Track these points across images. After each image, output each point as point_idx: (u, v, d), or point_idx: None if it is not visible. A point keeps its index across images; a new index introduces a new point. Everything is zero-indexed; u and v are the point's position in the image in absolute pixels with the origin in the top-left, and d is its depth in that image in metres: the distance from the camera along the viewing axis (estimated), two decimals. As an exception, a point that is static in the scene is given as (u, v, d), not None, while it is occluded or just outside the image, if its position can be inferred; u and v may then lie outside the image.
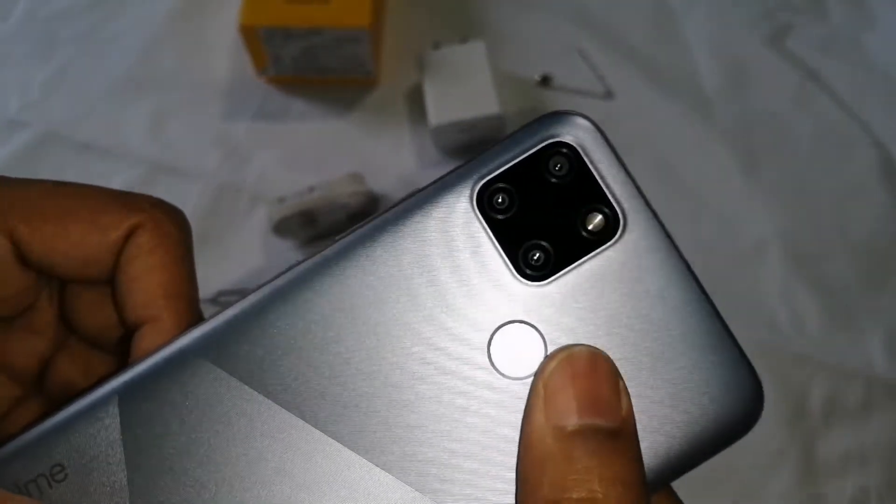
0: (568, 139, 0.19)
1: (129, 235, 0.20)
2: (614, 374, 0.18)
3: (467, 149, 0.56)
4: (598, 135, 0.19)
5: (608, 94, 0.58)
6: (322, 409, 0.18)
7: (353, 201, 0.51)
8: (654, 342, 0.18)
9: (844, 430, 0.49)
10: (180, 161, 0.57)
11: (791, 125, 0.58)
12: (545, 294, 0.18)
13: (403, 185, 0.55)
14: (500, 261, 0.18)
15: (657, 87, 0.59)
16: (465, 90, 0.54)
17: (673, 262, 0.19)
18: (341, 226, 0.53)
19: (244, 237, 0.54)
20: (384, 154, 0.57)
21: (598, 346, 0.18)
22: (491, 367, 0.18)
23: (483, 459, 0.18)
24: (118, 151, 0.57)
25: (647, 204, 0.19)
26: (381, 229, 0.19)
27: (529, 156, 0.19)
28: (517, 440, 0.18)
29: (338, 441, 0.18)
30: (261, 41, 0.55)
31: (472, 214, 0.18)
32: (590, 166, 0.19)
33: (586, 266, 0.18)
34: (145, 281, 0.20)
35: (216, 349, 0.18)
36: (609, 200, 0.19)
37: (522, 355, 0.18)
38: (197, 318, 0.21)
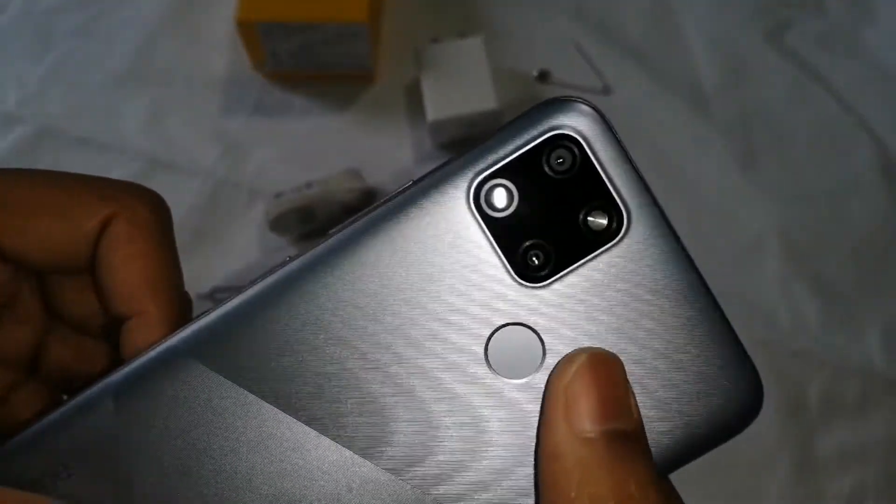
0: (571, 131, 0.17)
1: (104, 225, 0.20)
2: (626, 376, 0.18)
3: (465, 144, 0.56)
4: (603, 124, 0.18)
5: (606, 90, 0.58)
6: (317, 409, 0.18)
7: (350, 197, 0.51)
8: (655, 343, 0.18)
9: (842, 427, 0.49)
10: (178, 156, 0.57)
11: (789, 121, 0.58)
12: (545, 296, 0.18)
13: (401, 180, 0.55)
14: (499, 261, 0.18)
15: (655, 83, 0.59)
16: (462, 85, 0.54)
17: (678, 262, 0.18)
18: (338, 222, 0.53)
19: (241, 232, 0.54)
20: (382, 149, 0.57)
21: (591, 344, 0.18)
22: (489, 370, 0.18)
23: (480, 460, 0.18)
24: (115, 146, 0.57)
25: (654, 201, 0.18)
26: (374, 227, 0.18)
27: (530, 149, 0.18)
28: (513, 442, 0.18)
29: (331, 439, 0.18)
30: (258, 36, 0.54)
31: (469, 213, 0.18)
32: (594, 160, 0.18)
33: (587, 267, 0.18)
34: (126, 272, 0.20)
35: (207, 349, 0.18)
36: (613, 198, 0.18)
37: (520, 358, 0.18)
38: (183, 305, 0.21)
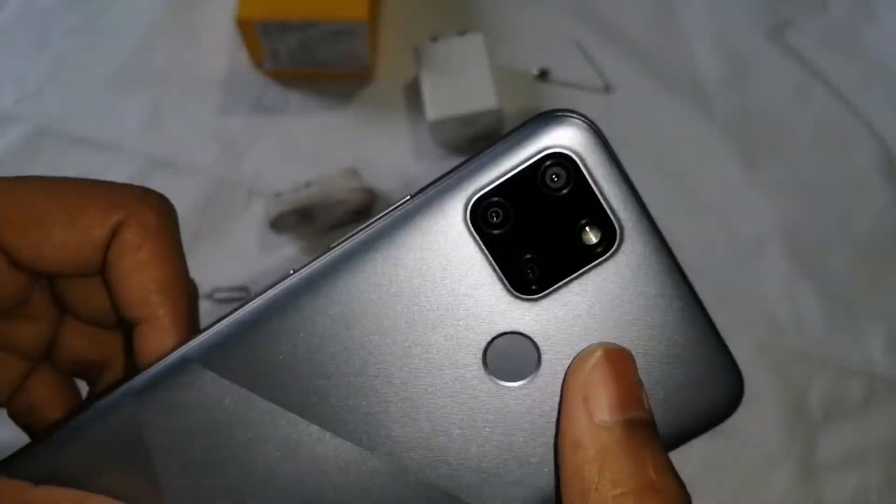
0: (565, 150, 0.18)
1: (113, 232, 0.20)
2: (637, 369, 0.19)
3: (465, 142, 0.56)
4: (598, 140, 0.18)
5: (607, 88, 0.58)
6: (325, 414, 0.18)
7: (349, 197, 0.51)
8: (645, 350, 0.18)
9: (845, 428, 0.49)
10: (177, 155, 0.57)
11: (791, 120, 0.57)
12: (540, 308, 0.18)
13: (401, 179, 0.55)
14: (495, 276, 0.18)
15: (657, 81, 0.58)
16: (462, 84, 0.53)
17: (668, 274, 0.18)
18: (338, 221, 0.53)
19: (240, 231, 0.54)
20: (381, 148, 0.57)
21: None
22: (487, 376, 0.18)
23: (483, 462, 0.18)
24: (114, 146, 0.57)
25: (647, 216, 0.18)
26: (375, 242, 0.18)
27: (525, 168, 0.18)
28: (512, 442, 0.18)
29: (341, 438, 0.18)
30: (258, 34, 0.54)
31: (466, 230, 0.18)
32: (588, 178, 0.18)
33: (581, 280, 0.18)
34: (136, 278, 0.20)
35: (219, 357, 0.19)
36: (606, 214, 0.18)
37: (517, 365, 0.18)
38: (192, 308, 0.21)
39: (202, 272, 0.54)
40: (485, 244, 0.18)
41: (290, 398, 0.19)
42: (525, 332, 0.18)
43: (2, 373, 0.22)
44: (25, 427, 0.24)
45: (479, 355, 0.18)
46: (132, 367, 0.22)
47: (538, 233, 0.18)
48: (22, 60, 0.60)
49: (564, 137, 0.18)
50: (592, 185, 0.18)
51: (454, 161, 0.56)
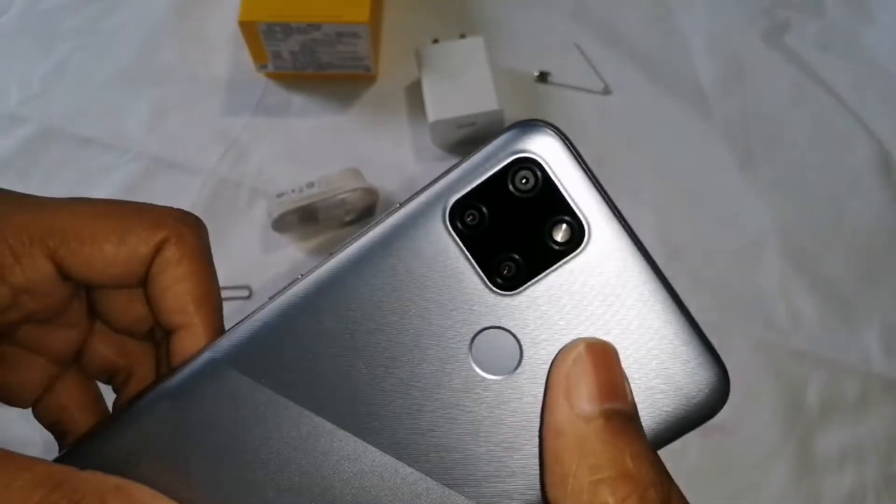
0: (532, 154, 0.19)
1: (157, 250, 0.23)
2: (620, 362, 0.20)
3: (466, 144, 0.56)
4: (564, 145, 0.19)
5: (606, 90, 0.58)
6: (333, 408, 0.20)
7: (351, 197, 0.52)
8: (624, 342, 0.19)
9: (842, 426, 0.49)
10: (180, 155, 0.57)
11: (788, 121, 0.58)
12: (518, 303, 0.20)
13: (402, 179, 0.56)
14: (475, 274, 0.20)
15: (655, 83, 0.59)
16: (463, 86, 0.54)
17: (638, 266, 0.19)
18: (340, 221, 0.53)
19: (243, 231, 0.54)
20: (383, 149, 0.57)
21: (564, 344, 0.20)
22: (475, 369, 0.20)
23: (476, 450, 0.20)
24: (118, 145, 0.57)
25: (614, 211, 0.20)
26: (367, 248, 0.20)
27: (496, 172, 0.19)
28: (501, 430, 0.20)
29: (348, 432, 0.20)
30: (260, 36, 0.55)
31: (446, 232, 0.20)
32: (554, 179, 0.19)
33: (555, 275, 0.19)
34: (175, 290, 0.23)
35: (241, 357, 0.21)
36: (574, 212, 0.19)
37: (500, 358, 0.20)
38: (221, 317, 0.24)
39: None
40: (464, 244, 0.20)
41: (299, 395, 0.20)
42: (506, 326, 0.20)
43: (33, 375, 0.24)
44: (50, 427, 0.25)
45: (466, 350, 0.20)
46: (164, 371, 0.24)
47: (513, 232, 0.20)
48: (27, 61, 0.61)
49: (532, 143, 0.19)
50: (559, 186, 0.19)
51: (454, 162, 0.56)
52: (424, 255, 0.20)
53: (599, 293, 0.19)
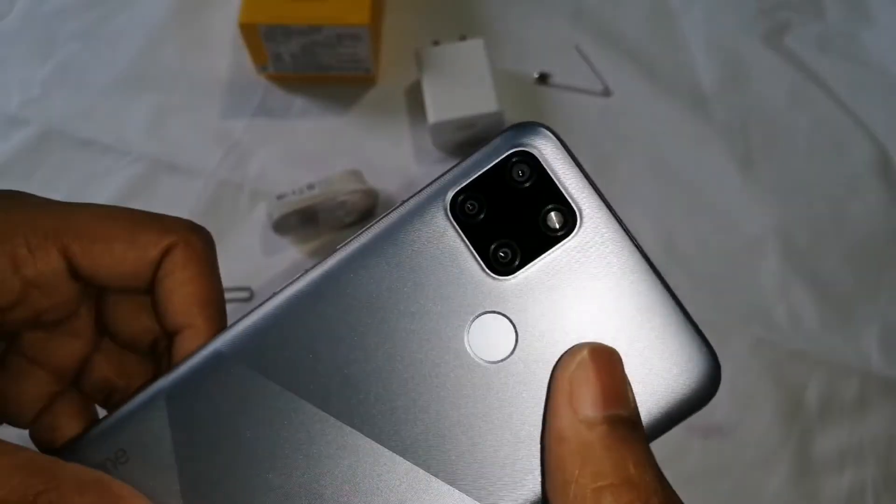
0: (528, 148, 0.21)
1: (165, 253, 0.23)
2: (623, 368, 0.20)
3: (466, 146, 0.56)
4: (557, 142, 0.21)
5: (606, 92, 0.58)
6: (334, 397, 0.21)
7: (352, 198, 0.52)
8: (614, 325, 0.20)
9: (841, 426, 0.49)
10: (181, 158, 0.57)
11: (788, 122, 0.58)
12: (513, 286, 0.20)
13: (402, 181, 0.56)
14: (473, 260, 0.21)
15: (655, 85, 0.59)
16: (464, 87, 0.54)
17: (627, 252, 0.20)
18: (340, 223, 0.53)
19: (244, 234, 0.54)
20: (383, 151, 0.57)
21: (563, 330, 0.20)
22: (470, 354, 0.20)
23: (470, 434, 0.20)
24: (119, 148, 0.58)
25: (603, 201, 0.21)
26: (373, 239, 0.21)
27: (494, 165, 0.21)
28: (496, 414, 0.20)
29: (348, 426, 0.20)
30: (261, 38, 0.55)
31: (447, 222, 0.21)
32: (548, 171, 0.21)
33: (548, 259, 0.20)
34: (181, 292, 0.23)
35: (241, 351, 0.21)
36: (566, 200, 0.21)
37: (496, 341, 0.20)
38: (224, 321, 0.24)
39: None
40: (464, 233, 0.21)
41: (301, 386, 0.21)
42: (502, 311, 0.20)
43: (34, 389, 0.24)
44: (40, 444, 0.25)
45: (463, 335, 0.20)
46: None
47: (509, 220, 0.21)
48: (28, 64, 0.61)
49: (528, 139, 0.21)
50: (552, 177, 0.21)
51: (454, 163, 0.57)
52: (425, 244, 0.21)
53: (591, 277, 0.20)
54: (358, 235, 0.21)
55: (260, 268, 0.53)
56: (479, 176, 0.21)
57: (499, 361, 0.20)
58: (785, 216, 0.55)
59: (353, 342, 0.21)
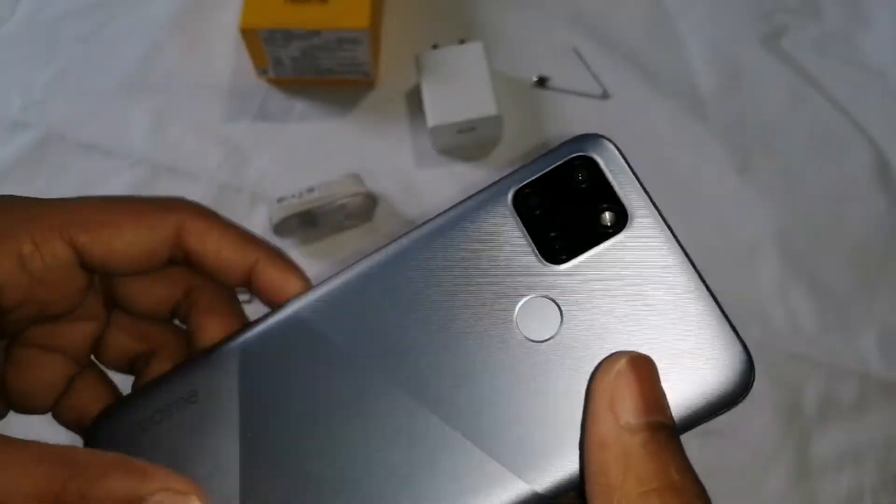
0: (590, 153, 0.23)
1: (178, 230, 0.23)
2: (659, 375, 0.20)
3: (465, 148, 0.56)
4: (617, 152, 0.23)
5: (604, 95, 0.59)
6: (390, 366, 0.22)
7: (351, 201, 0.52)
8: (654, 317, 0.21)
9: (839, 429, 0.49)
10: (181, 161, 0.57)
11: (786, 125, 0.58)
12: (562, 273, 0.22)
13: (402, 184, 0.56)
14: (528, 247, 0.22)
15: (653, 88, 0.59)
16: (462, 91, 0.54)
17: (672, 251, 0.22)
18: (340, 225, 0.54)
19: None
20: (382, 154, 0.57)
21: (605, 318, 0.21)
22: (518, 332, 0.22)
23: (507, 407, 0.21)
24: (120, 152, 0.58)
25: (653, 205, 0.22)
26: (439, 226, 0.23)
27: (558, 166, 0.23)
28: (534, 394, 0.21)
29: (401, 389, 0.22)
30: (261, 43, 0.55)
31: (510, 212, 0.23)
32: (605, 175, 0.23)
33: (597, 252, 0.22)
34: (228, 249, 0.24)
35: (314, 316, 0.23)
36: (619, 201, 0.22)
37: (542, 323, 0.22)
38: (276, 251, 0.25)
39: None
40: (523, 222, 0.23)
41: (365, 352, 0.22)
42: (551, 295, 0.22)
43: (50, 375, 0.24)
44: (74, 428, 0.25)
45: (512, 314, 0.22)
46: (186, 352, 0.26)
47: (566, 215, 0.23)
48: (29, 67, 0.61)
49: (590, 146, 0.23)
50: (608, 180, 0.23)
51: (454, 166, 0.57)
52: (487, 230, 0.23)
53: (635, 272, 0.22)
54: (427, 221, 0.23)
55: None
56: (542, 174, 0.23)
57: (542, 341, 0.22)
58: (783, 218, 0.55)
59: (414, 314, 0.22)
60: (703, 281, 0.21)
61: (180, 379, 0.24)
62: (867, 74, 0.59)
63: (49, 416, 0.25)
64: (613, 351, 0.21)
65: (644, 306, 0.21)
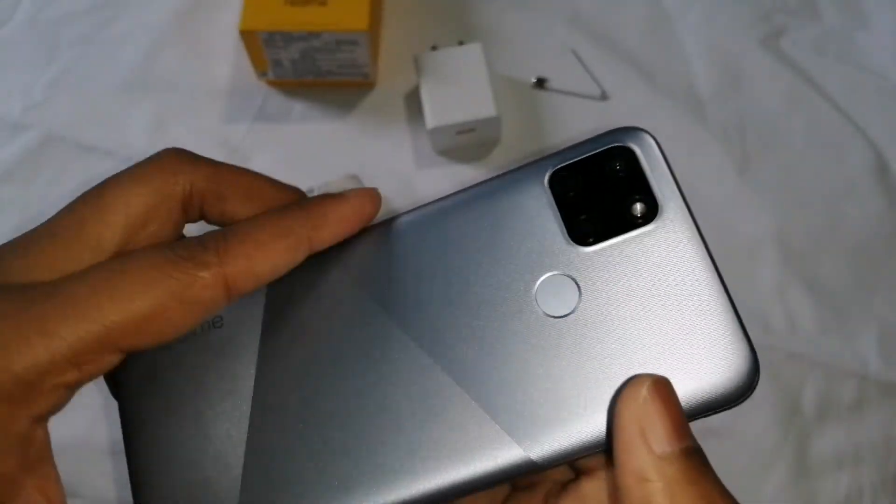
0: (628, 144, 0.23)
1: (221, 279, 0.20)
2: (677, 395, 0.20)
3: (464, 149, 0.56)
4: (655, 145, 0.23)
5: (603, 96, 0.59)
6: (409, 321, 0.23)
7: (351, 202, 0.52)
8: (669, 308, 0.21)
9: (838, 429, 0.49)
10: (181, 162, 0.57)
11: (785, 126, 0.58)
12: (587, 255, 0.22)
13: (401, 185, 0.56)
14: (558, 225, 0.23)
15: (652, 89, 0.59)
16: (461, 92, 0.54)
17: (696, 248, 0.22)
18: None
19: (244, 238, 0.55)
20: (382, 155, 0.57)
21: (621, 302, 0.22)
22: (536, 306, 0.22)
23: (515, 374, 0.22)
24: (120, 153, 0.58)
25: (685, 202, 0.23)
26: (473, 194, 0.24)
27: (597, 153, 0.23)
28: (542, 365, 0.22)
29: (416, 343, 0.23)
30: (261, 45, 0.55)
31: (544, 190, 0.23)
32: (643, 166, 0.23)
33: (624, 239, 0.22)
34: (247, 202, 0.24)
35: (343, 262, 0.24)
36: (652, 193, 0.23)
37: (560, 300, 0.22)
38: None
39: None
40: (556, 202, 0.23)
41: (387, 303, 0.23)
42: (572, 274, 0.22)
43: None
44: None
45: (532, 288, 0.23)
46: None
47: (599, 200, 0.23)
48: (30, 69, 0.61)
49: (629, 138, 0.23)
50: (645, 172, 0.23)
51: (453, 167, 0.57)
52: (520, 204, 0.23)
53: (658, 263, 0.22)
54: (465, 189, 0.24)
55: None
56: (581, 159, 0.23)
57: (558, 317, 0.22)
58: (782, 219, 0.55)
59: (438, 274, 0.23)
60: (722, 281, 0.22)
61: None
62: (866, 75, 0.60)
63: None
64: (624, 336, 0.21)
65: (661, 296, 0.22)
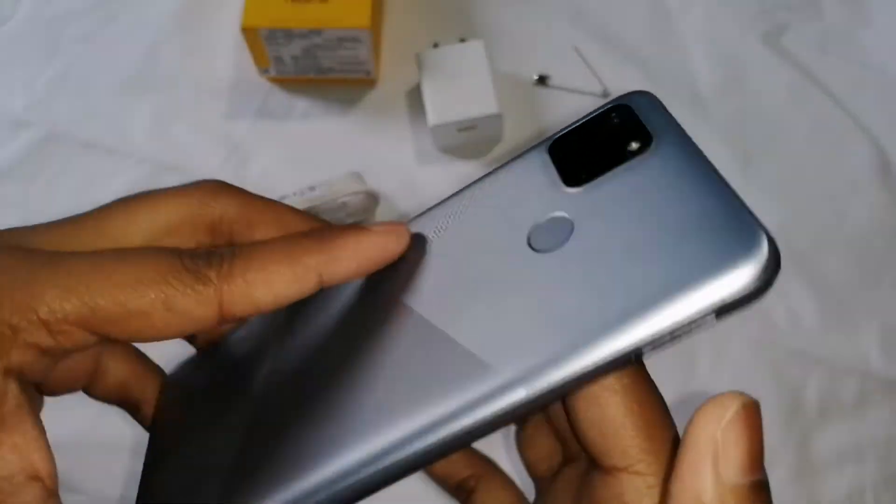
0: (626, 102, 0.23)
1: (220, 305, 0.20)
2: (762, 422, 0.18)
3: (466, 147, 0.56)
4: (654, 99, 0.23)
5: (605, 93, 0.59)
6: (425, 292, 0.23)
7: (353, 200, 0.52)
8: (675, 220, 0.20)
9: (840, 426, 0.49)
10: (183, 160, 0.57)
11: (787, 123, 0.58)
12: (579, 192, 0.22)
13: (403, 183, 0.56)
14: (555, 177, 0.23)
15: (654, 85, 0.58)
16: (463, 89, 0.54)
17: (696, 163, 0.21)
18: (341, 224, 0.54)
19: (246, 235, 0.55)
20: (384, 153, 0.57)
21: (616, 227, 0.21)
22: (528, 247, 0.22)
23: (505, 311, 0.22)
24: (122, 150, 0.58)
25: (682, 132, 0.22)
26: (485, 176, 0.25)
27: (595, 116, 0.24)
28: (528, 297, 0.21)
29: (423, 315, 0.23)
30: (262, 41, 0.55)
31: (544, 157, 0.24)
32: (638, 115, 0.23)
33: (618, 170, 0.22)
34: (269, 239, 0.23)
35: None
36: (646, 129, 0.22)
37: (552, 238, 0.22)
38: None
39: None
40: (555, 163, 0.23)
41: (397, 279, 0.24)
42: (566, 214, 0.22)
43: (75, 366, 0.24)
44: (117, 404, 0.25)
45: (525, 233, 0.22)
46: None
47: (595, 148, 0.23)
48: (32, 66, 0.61)
49: (628, 98, 0.23)
50: (640, 118, 0.23)
51: (455, 165, 0.57)
52: (522, 169, 0.24)
53: (657, 185, 0.21)
54: (478, 179, 0.25)
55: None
56: (580, 124, 0.24)
57: (549, 251, 0.22)
58: (784, 216, 0.55)
59: (445, 257, 0.24)
60: (727, 185, 0.21)
61: None
62: (868, 72, 0.59)
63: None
64: (624, 258, 0.20)
65: (665, 211, 0.20)
